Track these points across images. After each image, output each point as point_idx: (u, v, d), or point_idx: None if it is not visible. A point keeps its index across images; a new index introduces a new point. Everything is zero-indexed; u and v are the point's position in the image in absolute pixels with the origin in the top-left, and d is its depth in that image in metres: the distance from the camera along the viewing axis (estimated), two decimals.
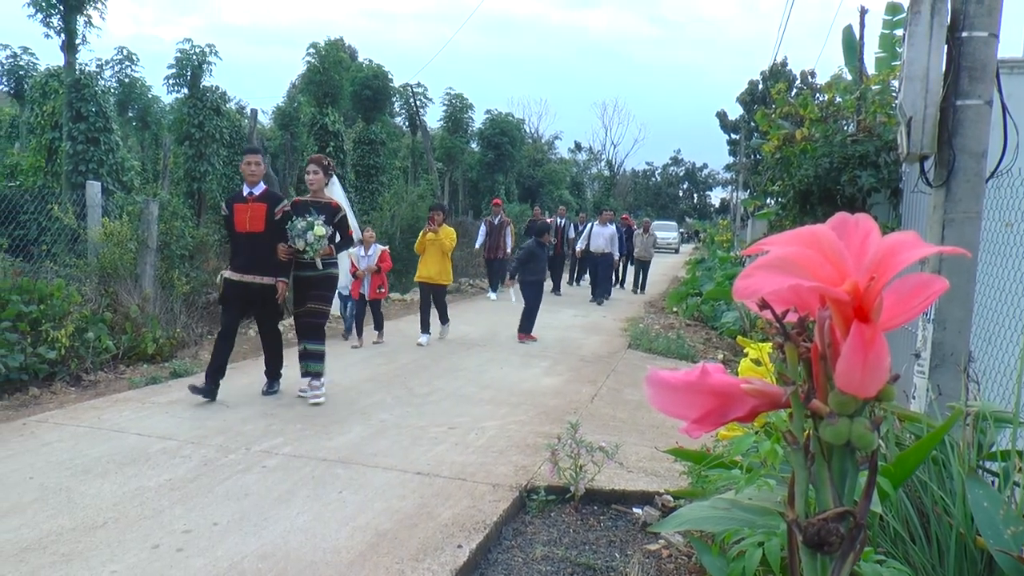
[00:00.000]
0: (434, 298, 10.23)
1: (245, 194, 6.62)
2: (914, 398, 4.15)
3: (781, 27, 40.29)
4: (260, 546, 3.72)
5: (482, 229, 16.35)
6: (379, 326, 10.05)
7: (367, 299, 9.82)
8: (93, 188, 9.59)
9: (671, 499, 4.43)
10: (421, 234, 10.18)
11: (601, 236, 16.60)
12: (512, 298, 10.21)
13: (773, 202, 10.64)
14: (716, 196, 78.79)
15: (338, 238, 6.76)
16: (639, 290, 19.22)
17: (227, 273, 6.62)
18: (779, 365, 0.83)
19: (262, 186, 6.65)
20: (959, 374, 3.64)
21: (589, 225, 17.42)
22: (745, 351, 2.89)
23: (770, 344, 2.66)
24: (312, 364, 6.68)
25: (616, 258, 17.29)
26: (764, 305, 0.78)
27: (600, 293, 16.46)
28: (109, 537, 3.77)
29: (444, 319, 10.45)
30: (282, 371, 7.03)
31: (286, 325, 8.82)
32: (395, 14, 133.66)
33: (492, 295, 16.38)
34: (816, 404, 0.79)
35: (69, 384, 7.08)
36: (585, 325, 12.56)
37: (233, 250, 6.71)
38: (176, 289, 9.60)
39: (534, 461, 5.16)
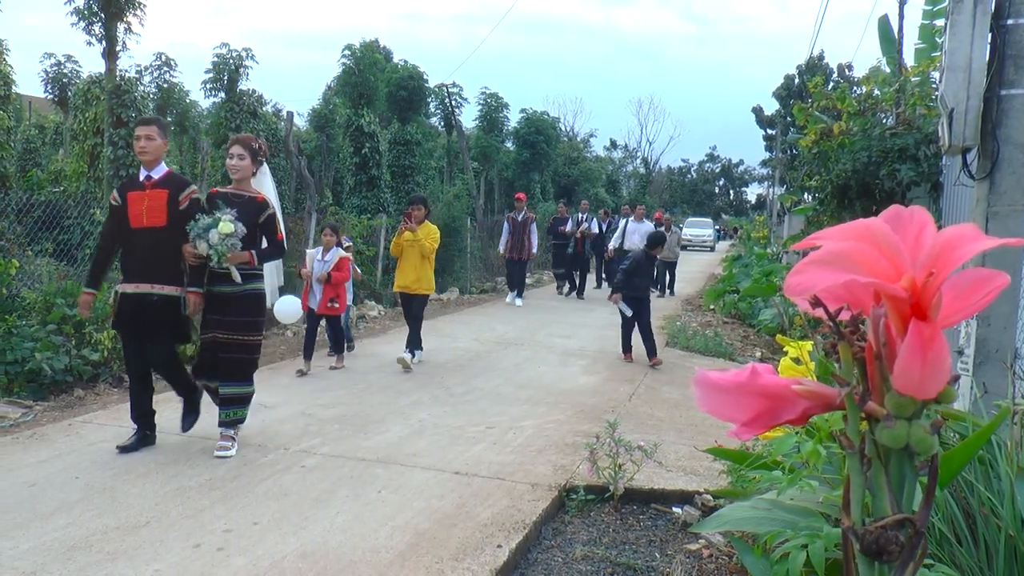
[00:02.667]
0: (411, 310, 8.48)
1: (142, 179, 5.16)
2: (958, 396, 4.07)
3: (817, 20, 39.83)
4: (300, 545, 3.75)
5: (505, 227, 14.86)
6: (337, 347, 8.27)
7: (316, 314, 8.04)
8: None
9: (711, 498, 4.39)
10: (397, 234, 8.39)
11: (637, 233, 14.95)
12: (623, 312, 9.04)
13: (810, 197, 10.52)
14: (752, 192, 78.41)
15: (264, 244, 5.32)
16: (669, 292, 17.83)
17: (120, 286, 5.13)
18: (832, 365, 0.80)
19: (163, 168, 5.19)
20: (1005, 371, 3.57)
21: (623, 222, 15.87)
22: (784, 349, 2.84)
23: (809, 342, 2.60)
24: (234, 410, 5.25)
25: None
26: (816, 303, 0.75)
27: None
28: (152, 536, 3.82)
29: (415, 341, 8.42)
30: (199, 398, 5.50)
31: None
32: (430, 15, 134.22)
33: (518, 301, 14.78)
34: (872, 406, 0.76)
35: (112, 385, 7.19)
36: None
37: (125, 252, 5.21)
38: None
39: (573, 460, 5.14)
